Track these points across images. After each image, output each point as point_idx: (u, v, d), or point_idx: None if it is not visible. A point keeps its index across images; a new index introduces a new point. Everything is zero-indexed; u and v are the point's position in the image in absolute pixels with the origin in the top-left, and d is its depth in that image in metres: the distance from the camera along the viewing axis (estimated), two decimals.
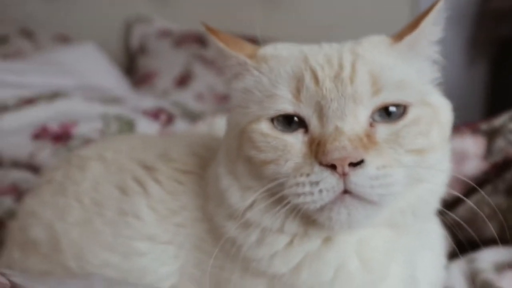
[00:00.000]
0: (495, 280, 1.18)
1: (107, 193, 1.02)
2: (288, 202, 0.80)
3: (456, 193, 0.91)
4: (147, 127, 1.96)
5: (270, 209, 0.83)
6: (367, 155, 0.77)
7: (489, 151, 1.40)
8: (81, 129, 1.86)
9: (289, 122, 0.82)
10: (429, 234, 0.97)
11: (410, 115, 0.81)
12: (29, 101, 1.94)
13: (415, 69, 0.86)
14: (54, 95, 1.98)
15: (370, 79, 0.80)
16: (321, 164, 0.77)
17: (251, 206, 0.85)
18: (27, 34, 2.61)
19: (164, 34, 2.79)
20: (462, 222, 0.95)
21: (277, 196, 0.81)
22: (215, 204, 0.91)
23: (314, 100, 0.80)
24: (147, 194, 0.98)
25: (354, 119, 0.79)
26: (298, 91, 0.81)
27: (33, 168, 1.73)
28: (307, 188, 0.78)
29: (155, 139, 1.21)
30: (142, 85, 2.64)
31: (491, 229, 1.22)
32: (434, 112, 0.84)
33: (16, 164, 1.77)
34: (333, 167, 0.76)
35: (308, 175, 0.78)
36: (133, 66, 2.84)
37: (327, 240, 0.86)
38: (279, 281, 0.87)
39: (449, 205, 1.46)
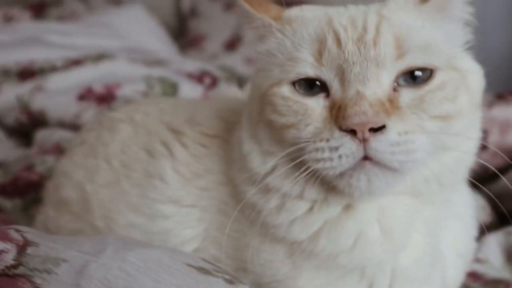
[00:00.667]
0: None
1: (135, 155, 1.03)
2: (308, 168, 0.79)
3: (486, 164, 0.87)
4: (190, 90, 1.97)
5: (290, 174, 0.82)
6: (388, 121, 0.75)
7: None
8: (125, 91, 1.88)
9: (311, 86, 0.81)
10: (458, 204, 0.94)
11: (437, 80, 0.78)
12: (76, 62, 1.98)
13: (443, 32, 0.82)
14: (100, 57, 2.01)
15: (395, 42, 0.78)
16: (341, 129, 0.75)
17: (271, 171, 0.85)
18: None
19: None
20: (494, 197, 0.94)
21: (297, 161, 0.80)
22: (238, 168, 0.91)
23: (336, 63, 0.78)
24: (172, 157, 0.99)
25: (377, 83, 0.77)
26: (320, 54, 0.79)
27: (78, 128, 1.77)
28: (326, 154, 0.76)
29: (185, 102, 1.22)
30: (191, 48, 2.65)
31: None
32: (462, 77, 0.81)
33: (62, 124, 1.81)
34: (353, 132, 0.74)
35: (327, 140, 0.76)
36: (183, 29, 2.85)
37: (348, 207, 0.85)
38: (298, 248, 0.86)
39: (493, 175, 1.42)
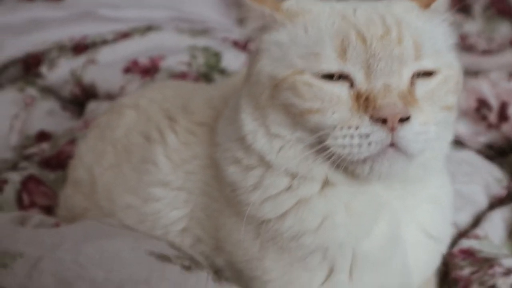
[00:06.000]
0: None
1: (135, 140, 1.12)
2: (329, 152, 0.84)
3: None
4: (233, 59, 2.00)
5: (300, 155, 0.88)
6: (412, 112, 0.82)
7: None
8: (168, 62, 1.94)
9: (332, 76, 0.85)
10: (435, 188, 0.98)
11: (440, 75, 0.87)
12: (124, 35, 2.05)
13: (442, 34, 0.90)
14: (147, 29, 2.07)
15: (413, 45, 0.85)
16: (371, 118, 0.81)
17: (277, 151, 0.89)
18: None
19: None
20: None
21: (319, 147, 0.85)
22: (222, 149, 0.97)
23: (361, 59, 0.84)
24: (165, 143, 1.06)
25: (399, 78, 0.83)
26: (343, 49, 0.84)
27: None
28: (356, 140, 0.82)
29: (188, 88, 1.27)
30: None
31: None
32: (455, 74, 0.90)
33: (109, 97, 1.91)
34: (383, 121, 0.81)
35: (357, 127, 0.82)
36: None
37: (325, 187, 0.90)
38: (265, 228, 0.92)
39: None
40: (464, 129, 1.53)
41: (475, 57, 1.99)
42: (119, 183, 1.10)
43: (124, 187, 1.09)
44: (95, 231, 0.88)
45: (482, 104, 1.55)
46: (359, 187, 0.89)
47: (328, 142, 0.83)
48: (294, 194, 0.90)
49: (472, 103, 1.55)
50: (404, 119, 0.81)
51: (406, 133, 0.81)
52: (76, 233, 0.86)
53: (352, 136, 0.82)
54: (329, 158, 0.84)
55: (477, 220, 1.28)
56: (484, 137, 1.55)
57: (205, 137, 1.04)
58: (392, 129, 0.80)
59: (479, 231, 1.21)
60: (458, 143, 1.51)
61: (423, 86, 0.86)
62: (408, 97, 0.83)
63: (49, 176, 1.54)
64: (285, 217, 0.90)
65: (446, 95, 0.87)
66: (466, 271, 1.09)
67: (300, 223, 0.89)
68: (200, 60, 1.97)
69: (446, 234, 1.00)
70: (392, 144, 0.82)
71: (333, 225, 0.89)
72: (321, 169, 0.88)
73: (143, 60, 1.96)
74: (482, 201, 1.35)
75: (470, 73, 1.59)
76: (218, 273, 0.93)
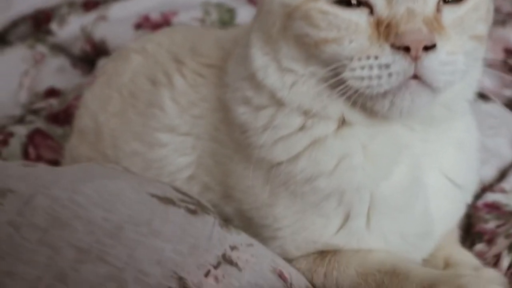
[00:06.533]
0: None
1: (142, 85, 1.06)
2: (345, 86, 0.77)
3: None
4: (248, 15, 1.94)
5: (313, 91, 0.81)
6: (439, 40, 0.74)
7: None
8: (180, 18, 1.88)
9: (349, 2, 0.77)
10: (460, 133, 0.92)
11: (471, 1, 0.79)
12: None
13: None
14: None
15: None
16: (392, 46, 0.73)
17: (290, 87, 0.83)
18: None
19: None
20: None
21: (334, 79, 0.78)
22: (232, 89, 0.90)
23: None
24: (172, 86, 1.01)
25: (424, 2, 0.75)
26: None
27: None
28: (375, 71, 0.75)
29: (197, 32, 1.21)
30: None
31: None
32: (486, 0, 0.82)
33: None
34: (405, 50, 0.73)
35: (376, 57, 0.74)
36: None
37: (340, 127, 0.83)
38: (277, 171, 0.86)
39: None
40: (490, 82, 1.44)
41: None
42: (125, 129, 1.05)
43: (130, 133, 1.04)
44: (95, 171, 0.83)
45: (510, 54, 1.46)
46: (378, 127, 0.83)
47: (345, 74, 0.76)
48: (308, 134, 0.83)
49: (499, 53, 1.47)
50: (429, 47, 0.72)
51: (431, 62, 0.73)
52: (75, 172, 0.81)
53: (371, 67, 0.74)
54: (345, 93, 0.77)
55: (503, 174, 1.21)
56: (510, 90, 1.47)
57: (214, 79, 0.98)
58: (416, 58, 0.72)
59: (505, 184, 1.14)
60: (483, 96, 1.43)
61: (451, 12, 0.77)
62: (434, 23, 0.74)
63: (56, 131, 1.51)
64: (298, 159, 0.84)
65: (476, 23, 0.79)
66: (491, 224, 1.03)
67: (314, 165, 0.83)
68: (214, 16, 1.91)
69: (471, 182, 0.94)
70: (415, 76, 0.74)
71: (350, 167, 0.82)
72: (336, 106, 0.81)
73: (155, 16, 1.90)
74: (508, 155, 1.27)
75: (497, 21, 1.50)
76: (226, 222, 0.87)
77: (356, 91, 0.76)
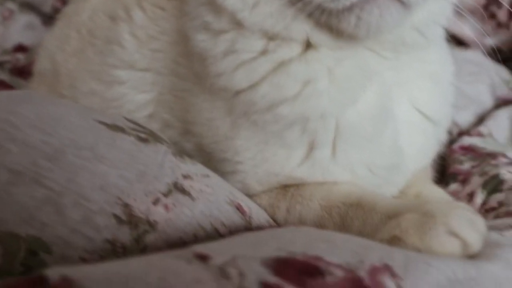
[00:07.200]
0: None
1: (100, 22, 1.01)
2: (309, 1, 0.71)
3: None
4: None
5: (277, 11, 0.75)
6: None
7: None
8: None
9: None
10: (434, 65, 0.87)
11: None
12: None
13: None
14: None
15: None
16: None
17: (251, 7, 0.77)
18: None
19: None
20: None
21: None
22: (191, 17, 0.84)
23: None
24: (131, 21, 0.95)
25: None
26: None
27: None
28: None
29: None
30: None
31: None
32: None
33: None
34: None
35: None
36: None
37: (307, 49, 0.78)
38: (238, 100, 0.80)
39: None
40: (470, 29, 1.39)
41: None
42: (83, 68, 0.99)
43: (88, 72, 0.98)
44: (37, 96, 0.77)
45: (491, 0, 1.40)
46: (345, 51, 0.77)
47: None
48: (271, 58, 0.78)
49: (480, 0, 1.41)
50: None
51: None
52: (13, 95, 0.75)
53: None
54: (308, 9, 0.71)
55: (481, 119, 1.17)
56: (492, 38, 1.42)
57: (174, 11, 0.92)
58: None
59: (482, 128, 1.10)
60: (463, 44, 1.39)
61: None
62: None
63: (21, 83, 1.46)
64: (260, 85, 0.78)
65: None
66: (466, 165, 0.99)
67: (276, 90, 0.77)
68: None
69: (444, 116, 0.89)
70: None
71: (315, 92, 0.77)
72: (300, 26, 0.75)
73: None
74: (487, 101, 1.23)
75: None
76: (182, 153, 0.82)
77: (319, 6, 0.71)
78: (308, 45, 0.77)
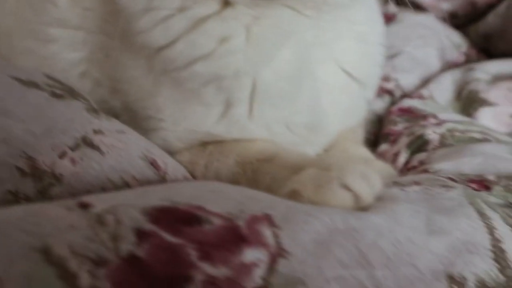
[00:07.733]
0: (483, 90, 1.02)
1: None
2: None
3: None
4: None
5: None
6: None
7: None
8: None
9: None
10: (360, 25, 0.87)
11: None
12: None
13: None
14: None
15: None
16: None
17: None
18: None
19: None
20: None
21: None
22: None
23: None
24: None
25: None
26: None
27: None
28: None
29: None
30: None
31: None
32: None
33: None
34: None
35: None
36: None
37: (225, 6, 0.78)
38: (157, 57, 0.81)
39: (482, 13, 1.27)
40: None
41: None
42: (19, 27, 0.99)
43: (24, 30, 0.98)
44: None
45: None
46: (263, 9, 0.77)
47: None
48: (188, 15, 0.78)
49: None
50: None
51: None
52: None
53: None
54: None
55: (425, 83, 1.17)
56: (448, 3, 1.41)
57: None
58: None
59: (424, 91, 1.10)
60: (418, 7, 1.38)
61: None
62: None
63: None
64: (177, 42, 0.78)
65: None
66: (399, 126, 0.99)
67: (192, 47, 0.78)
68: None
69: (371, 77, 0.89)
70: None
71: (229, 50, 0.77)
72: None
73: None
74: (434, 65, 1.23)
75: None
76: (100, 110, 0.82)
77: None
78: (226, 3, 0.77)
